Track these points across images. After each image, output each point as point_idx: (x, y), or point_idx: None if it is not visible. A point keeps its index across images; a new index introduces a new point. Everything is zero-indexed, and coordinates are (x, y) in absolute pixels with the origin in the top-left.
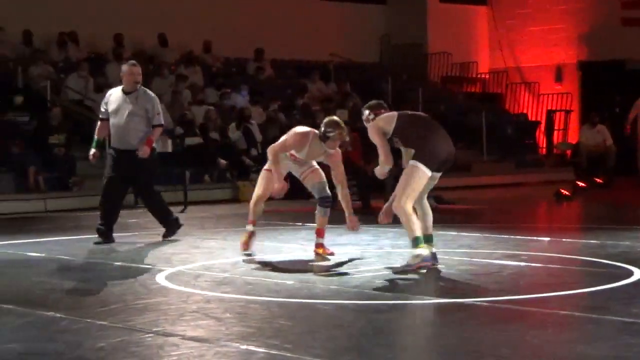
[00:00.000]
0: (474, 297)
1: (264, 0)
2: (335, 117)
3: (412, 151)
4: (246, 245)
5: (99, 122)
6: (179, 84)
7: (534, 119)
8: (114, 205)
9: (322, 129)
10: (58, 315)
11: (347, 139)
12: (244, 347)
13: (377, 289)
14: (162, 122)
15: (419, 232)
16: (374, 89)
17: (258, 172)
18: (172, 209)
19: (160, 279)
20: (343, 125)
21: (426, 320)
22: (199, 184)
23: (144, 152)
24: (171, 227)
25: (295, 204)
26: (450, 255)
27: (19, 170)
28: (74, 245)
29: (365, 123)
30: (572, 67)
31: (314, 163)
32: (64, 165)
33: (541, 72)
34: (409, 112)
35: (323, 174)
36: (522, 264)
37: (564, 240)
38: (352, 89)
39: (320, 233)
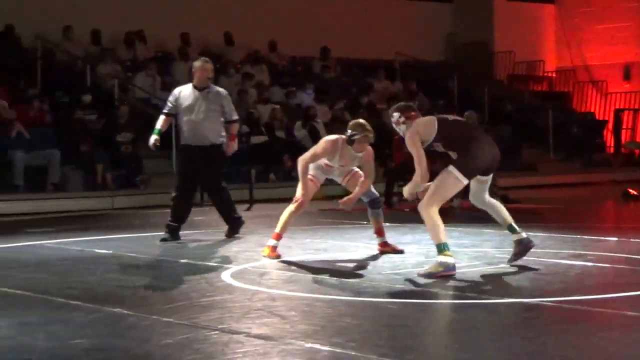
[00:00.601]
0: (540, 297)
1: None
2: (360, 120)
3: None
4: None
5: (162, 117)
6: (245, 82)
7: (601, 118)
8: (186, 202)
9: (348, 132)
10: (125, 311)
11: (373, 140)
12: (309, 345)
13: (441, 288)
14: (237, 118)
15: (444, 239)
16: (439, 87)
17: None
18: (237, 207)
19: (226, 276)
20: (368, 126)
21: (491, 320)
22: (264, 183)
23: (232, 148)
24: (235, 225)
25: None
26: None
27: (87, 168)
28: (141, 242)
29: (394, 126)
30: None
31: (354, 167)
32: (131, 163)
33: (609, 70)
34: (448, 116)
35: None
36: (589, 264)
37: (631, 240)
38: (417, 87)
39: (380, 232)
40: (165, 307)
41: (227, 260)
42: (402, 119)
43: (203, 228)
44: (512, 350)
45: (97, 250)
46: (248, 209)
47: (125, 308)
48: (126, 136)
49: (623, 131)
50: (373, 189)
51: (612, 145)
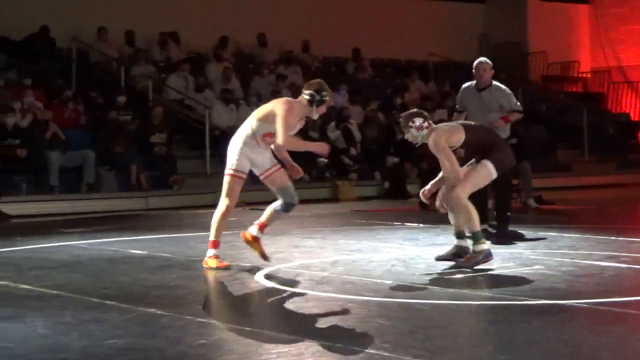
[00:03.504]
0: (574, 299)
1: (362, 0)
2: (318, 80)
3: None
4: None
5: (455, 114)
6: (279, 83)
7: (636, 118)
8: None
9: (314, 93)
10: (159, 311)
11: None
12: (342, 345)
13: (475, 289)
14: (518, 109)
15: (479, 227)
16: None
17: (357, 171)
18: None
19: (260, 277)
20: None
21: (525, 322)
22: (297, 183)
23: (498, 123)
24: (502, 226)
25: (393, 203)
26: (551, 256)
27: (121, 169)
28: (175, 243)
29: (415, 131)
30: None
31: (276, 160)
32: (165, 164)
33: None
34: (470, 122)
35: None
36: (624, 265)
37: None
38: (451, 88)
39: (263, 228)
40: (199, 308)
41: (261, 260)
42: (426, 124)
43: (237, 229)
44: (547, 352)
45: (131, 251)
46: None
47: (159, 308)
48: (160, 137)
49: None
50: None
51: None
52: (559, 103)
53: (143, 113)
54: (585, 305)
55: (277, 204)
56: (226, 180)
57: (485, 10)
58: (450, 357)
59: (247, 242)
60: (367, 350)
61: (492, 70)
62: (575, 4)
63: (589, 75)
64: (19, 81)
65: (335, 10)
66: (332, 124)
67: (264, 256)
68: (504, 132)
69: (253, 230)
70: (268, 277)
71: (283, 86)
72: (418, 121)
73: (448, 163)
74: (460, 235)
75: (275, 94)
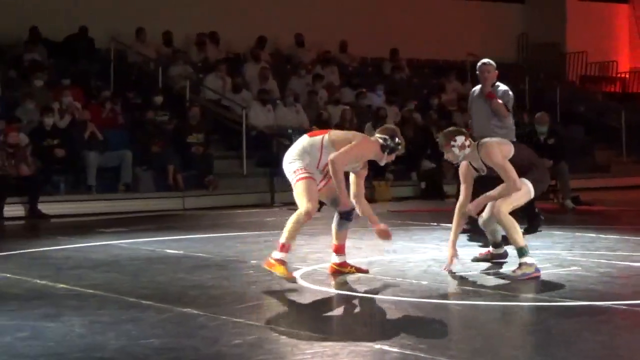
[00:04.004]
0: (612, 300)
1: (399, 0)
2: (393, 126)
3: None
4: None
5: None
6: (316, 83)
7: None
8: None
9: (388, 139)
10: (195, 311)
11: None
12: (378, 346)
13: (511, 290)
14: (507, 106)
15: (523, 242)
16: (511, 88)
17: (393, 172)
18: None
19: (296, 277)
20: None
21: (562, 323)
22: None
23: (488, 94)
24: (534, 223)
25: (429, 203)
26: (588, 257)
27: (158, 169)
28: (211, 243)
29: (458, 150)
30: None
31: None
32: (202, 164)
33: None
34: (513, 140)
35: None
36: None
37: None
38: None
39: (341, 249)
40: (236, 308)
41: (297, 261)
42: (468, 142)
43: (274, 229)
44: (584, 353)
45: (168, 251)
46: (319, 210)
47: (195, 308)
48: (197, 137)
49: None
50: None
51: None
52: (597, 103)
53: (180, 113)
54: (622, 307)
55: (336, 219)
56: (301, 185)
57: (524, 10)
58: (487, 358)
59: (335, 272)
60: (403, 351)
61: (497, 72)
62: (615, 4)
63: (627, 75)
64: (57, 81)
65: (373, 11)
66: (369, 124)
67: (361, 270)
68: (506, 130)
69: (334, 258)
70: (304, 277)
71: (320, 86)
72: (460, 140)
73: (509, 173)
74: (496, 245)
75: (312, 94)
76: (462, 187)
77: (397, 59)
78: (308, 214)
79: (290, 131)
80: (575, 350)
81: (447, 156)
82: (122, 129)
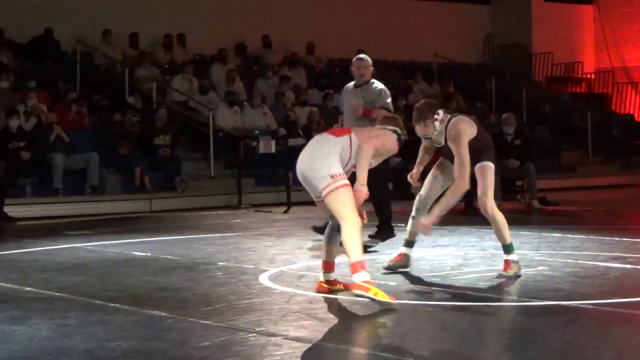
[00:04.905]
0: (578, 300)
1: (367, 2)
2: (395, 115)
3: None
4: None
5: (339, 117)
6: (283, 85)
7: None
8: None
9: (399, 129)
10: (163, 314)
11: None
12: (346, 347)
13: (480, 290)
14: (387, 107)
15: (510, 239)
16: (477, 89)
17: None
18: (275, 209)
19: (264, 279)
20: None
21: (529, 323)
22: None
23: (357, 110)
24: (384, 232)
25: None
26: (555, 257)
27: (125, 171)
28: (179, 245)
29: (439, 124)
30: None
31: None
32: (170, 166)
33: None
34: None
35: None
36: (628, 266)
37: None
38: (455, 89)
39: (331, 267)
40: (203, 310)
41: (264, 262)
42: (448, 117)
43: (241, 230)
44: (551, 353)
45: (135, 253)
46: (286, 212)
47: (163, 310)
48: (164, 139)
49: None
50: None
51: None
52: (563, 104)
53: (147, 115)
54: (589, 306)
55: (329, 233)
56: (347, 193)
57: (490, 11)
58: (454, 358)
59: (325, 291)
60: (372, 352)
61: (372, 68)
62: (580, 5)
63: (593, 76)
64: (23, 84)
65: (340, 12)
66: (337, 125)
67: (348, 286)
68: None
69: (325, 276)
70: (272, 278)
71: (287, 88)
72: (441, 113)
73: (465, 156)
74: (410, 244)
75: (279, 96)
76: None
77: None
78: (358, 222)
79: (257, 132)
80: (542, 349)
81: (424, 130)
82: (88, 131)
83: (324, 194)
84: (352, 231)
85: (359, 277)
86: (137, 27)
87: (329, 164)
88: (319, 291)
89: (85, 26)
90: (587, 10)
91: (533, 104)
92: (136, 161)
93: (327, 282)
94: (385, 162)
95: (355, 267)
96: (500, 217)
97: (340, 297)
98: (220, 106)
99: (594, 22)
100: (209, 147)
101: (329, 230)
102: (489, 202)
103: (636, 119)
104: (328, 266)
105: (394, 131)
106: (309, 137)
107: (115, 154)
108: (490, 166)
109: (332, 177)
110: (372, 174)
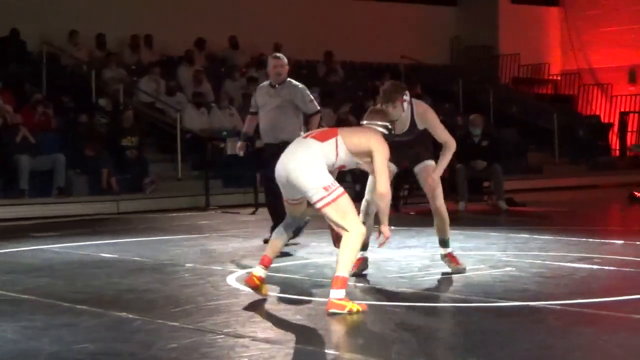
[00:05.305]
0: (546, 300)
1: (334, 3)
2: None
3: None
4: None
5: (248, 116)
6: (250, 86)
7: (606, 120)
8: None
9: (389, 124)
10: (130, 315)
11: None
12: (314, 348)
13: (447, 291)
14: (318, 109)
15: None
16: (444, 91)
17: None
18: (242, 210)
19: (231, 280)
20: None
21: (497, 324)
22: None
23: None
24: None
25: None
26: (522, 258)
27: (92, 172)
28: (146, 246)
29: (406, 105)
30: None
31: None
32: (137, 167)
33: (614, 73)
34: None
35: None
36: (595, 267)
37: (637, 243)
38: (422, 91)
39: (269, 262)
40: (171, 311)
41: (232, 264)
42: (409, 99)
43: (209, 232)
44: (519, 353)
45: (102, 255)
46: (253, 213)
47: (130, 312)
48: (131, 140)
49: (628, 134)
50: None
51: (618, 148)
52: (530, 105)
53: (114, 116)
54: (556, 306)
55: (282, 231)
56: (344, 203)
57: (457, 12)
58: (422, 359)
59: (253, 286)
60: (339, 353)
61: (288, 67)
62: (546, 7)
63: (559, 78)
64: None
65: (307, 13)
66: (304, 126)
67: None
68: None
69: (259, 272)
70: (239, 280)
71: (254, 89)
72: (408, 95)
73: (446, 134)
74: (364, 247)
75: (247, 97)
76: None
77: (331, 62)
78: (363, 234)
79: (224, 134)
80: (510, 350)
81: (393, 111)
82: (54, 132)
83: (319, 206)
84: (355, 244)
85: (337, 294)
86: (103, 28)
87: (319, 174)
88: (247, 283)
89: (51, 27)
90: (553, 12)
91: (500, 105)
92: (103, 162)
93: (259, 277)
94: None
95: (337, 282)
96: (446, 213)
97: (307, 298)
98: (188, 107)
99: (560, 24)
100: (177, 149)
101: (283, 227)
102: (438, 201)
103: (602, 120)
104: (267, 262)
105: (384, 126)
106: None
107: (82, 155)
108: (432, 165)
109: (325, 188)
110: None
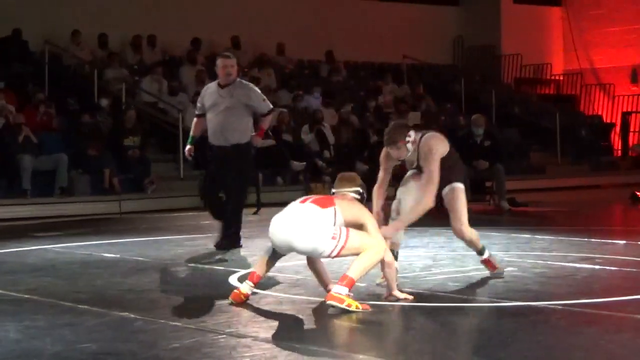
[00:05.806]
0: (548, 300)
1: (337, 3)
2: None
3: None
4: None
5: (194, 119)
6: None
7: (609, 120)
8: (220, 201)
9: (361, 190)
10: (132, 315)
11: None
12: (316, 348)
13: (450, 291)
14: (271, 107)
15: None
16: (446, 90)
17: (331, 174)
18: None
19: (233, 280)
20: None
21: (499, 324)
22: (271, 186)
23: (256, 141)
24: (230, 240)
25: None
26: (524, 258)
27: (94, 172)
28: (149, 246)
29: (411, 146)
30: None
31: None
32: (139, 167)
33: (616, 73)
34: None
35: None
36: (597, 267)
37: (639, 243)
38: (425, 91)
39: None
40: (173, 311)
41: (234, 263)
42: (419, 136)
43: (210, 232)
44: (520, 353)
45: (104, 254)
46: (255, 213)
47: (133, 312)
48: (133, 140)
49: (630, 134)
50: None
51: (620, 148)
52: (532, 105)
53: (116, 116)
54: (558, 306)
55: (271, 251)
56: (354, 235)
57: (459, 13)
58: (425, 359)
59: (239, 301)
60: (339, 352)
61: (237, 66)
62: (549, 7)
63: (561, 78)
64: None
65: (310, 13)
66: (306, 126)
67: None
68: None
69: (247, 288)
70: (241, 280)
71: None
72: (413, 134)
73: (435, 173)
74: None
75: None
76: (381, 171)
77: (333, 62)
78: (384, 249)
79: None
80: (512, 350)
81: (398, 153)
82: (57, 132)
83: (334, 254)
84: (375, 255)
85: (340, 290)
86: (106, 27)
87: (323, 232)
88: (232, 299)
89: (53, 27)
90: (556, 12)
91: (502, 106)
92: (105, 162)
93: (245, 295)
94: (250, 165)
95: (344, 280)
96: (475, 235)
97: (309, 298)
98: (190, 107)
99: (562, 24)
100: (178, 149)
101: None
102: (465, 229)
103: (604, 120)
104: (256, 279)
105: (356, 191)
106: (278, 138)
107: (84, 155)
108: (461, 188)
109: (333, 237)
110: (239, 175)
